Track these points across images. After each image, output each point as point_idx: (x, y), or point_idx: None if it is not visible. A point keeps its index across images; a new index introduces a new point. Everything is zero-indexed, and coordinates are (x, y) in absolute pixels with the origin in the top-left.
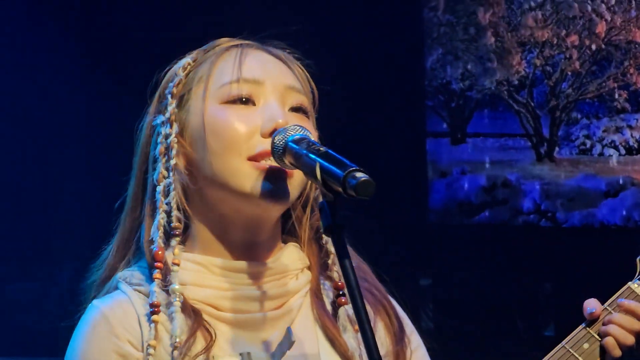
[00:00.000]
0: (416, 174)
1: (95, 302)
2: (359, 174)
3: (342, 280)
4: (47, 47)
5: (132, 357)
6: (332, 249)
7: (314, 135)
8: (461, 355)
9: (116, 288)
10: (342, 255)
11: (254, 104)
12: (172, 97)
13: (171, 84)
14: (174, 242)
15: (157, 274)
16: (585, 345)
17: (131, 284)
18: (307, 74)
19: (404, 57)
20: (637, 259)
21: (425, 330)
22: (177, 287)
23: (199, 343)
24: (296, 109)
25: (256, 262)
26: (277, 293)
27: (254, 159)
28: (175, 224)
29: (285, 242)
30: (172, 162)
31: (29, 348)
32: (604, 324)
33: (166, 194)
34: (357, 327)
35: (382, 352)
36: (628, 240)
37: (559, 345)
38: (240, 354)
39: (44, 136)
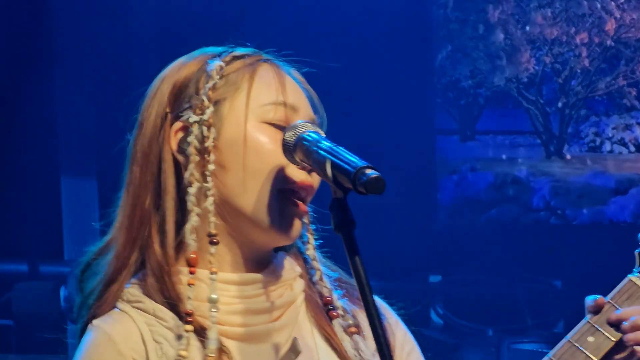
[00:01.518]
0: (426, 171)
1: (95, 322)
2: (369, 171)
3: (332, 295)
4: None
5: None
6: (316, 264)
7: None
8: (470, 351)
9: (113, 307)
10: (353, 252)
11: None
12: (208, 100)
13: (207, 85)
14: (214, 249)
15: (192, 280)
16: (590, 339)
17: (129, 302)
18: (321, 104)
19: (413, 55)
20: (636, 252)
21: (435, 326)
22: (214, 297)
23: None
24: None
25: (254, 273)
26: (276, 304)
27: (285, 191)
28: (214, 231)
29: (274, 249)
30: (211, 167)
31: (39, 346)
32: (614, 323)
33: (200, 198)
34: (353, 334)
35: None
36: (637, 237)
37: (564, 340)
38: None
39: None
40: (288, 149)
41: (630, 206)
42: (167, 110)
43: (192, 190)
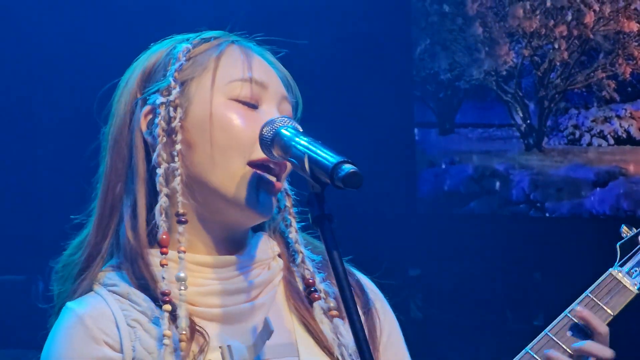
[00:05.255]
0: (405, 165)
1: (69, 304)
2: (346, 166)
3: (314, 277)
4: None
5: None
6: (298, 247)
7: None
8: (449, 345)
9: (90, 290)
10: (331, 247)
11: (256, 108)
12: (174, 81)
13: (173, 67)
14: (182, 228)
15: (164, 260)
16: (569, 333)
17: (105, 285)
18: (295, 85)
19: (392, 47)
20: (617, 245)
21: (414, 320)
22: (182, 275)
23: (193, 345)
24: None
25: (229, 255)
26: (252, 284)
27: (253, 164)
28: (182, 210)
29: (253, 230)
30: (178, 147)
31: (15, 340)
32: None
33: (168, 178)
34: (333, 317)
35: None
36: (617, 230)
37: (542, 333)
38: (220, 347)
39: (32, 130)
40: (265, 144)
41: (609, 199)
42: (138, 95)
43: (160, 171)
